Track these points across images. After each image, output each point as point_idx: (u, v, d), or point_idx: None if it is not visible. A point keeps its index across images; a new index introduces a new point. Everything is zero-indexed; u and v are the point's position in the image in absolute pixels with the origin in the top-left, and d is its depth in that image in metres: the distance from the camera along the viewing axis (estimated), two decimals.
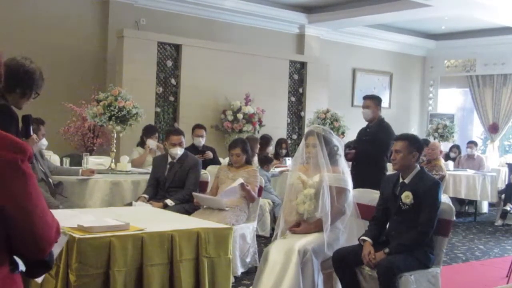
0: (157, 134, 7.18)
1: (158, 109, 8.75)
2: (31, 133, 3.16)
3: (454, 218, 3.98)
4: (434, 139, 10.52)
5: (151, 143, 6.96)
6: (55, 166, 5.71)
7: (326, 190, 3.94)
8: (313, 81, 10.38)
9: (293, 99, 10.42)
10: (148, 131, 7.09)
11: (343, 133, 9.14)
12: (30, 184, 1.56)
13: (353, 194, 4.11)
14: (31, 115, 3.13)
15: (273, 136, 8.71)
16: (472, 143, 10.35)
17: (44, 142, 5.50)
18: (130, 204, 5.08)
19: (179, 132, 5.64)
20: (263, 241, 6.41)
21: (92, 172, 5.58)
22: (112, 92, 6.05)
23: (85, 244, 2.90)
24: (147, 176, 5.60)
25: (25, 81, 2.87)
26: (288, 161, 8.10)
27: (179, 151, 5.39)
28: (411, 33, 12.53)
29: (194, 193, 5.15)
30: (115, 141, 6.37)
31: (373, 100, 5.89)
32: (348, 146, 5.68)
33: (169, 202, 5.13)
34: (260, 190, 5.29)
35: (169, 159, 5.44)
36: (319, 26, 11.07)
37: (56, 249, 1.81)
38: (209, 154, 7.27)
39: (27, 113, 3.12)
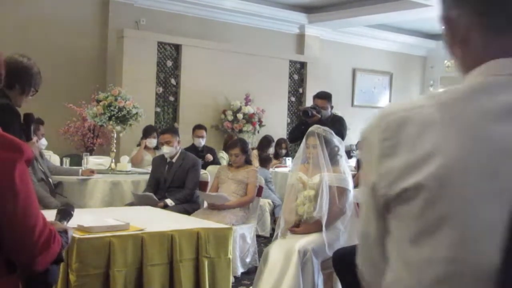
0: (155, 134, 7.18)
1: (158, 109, 8.75)
2: (32, 135, 3.15)
3: None
4: None
5: (153, 142, 7.02)
6: (54, 166, 5.70)
7: (325, 191, 3.94)
8: (313, 81, 10.37)
9: (293, 99, 10.42)
10: (147, 132, 7.12)
11: None
12: (22, 190, 1.49)
13: (353, 194, 4.11)
14: (32, 114, 3.13)
15: (273, 136, 8.71)
16: None
17: (43, 142, 5.50)
18: (131, 204, 5.08)
19: (167, 131, 5.70)
20: (263, 241, 6.41)
21: (92, 172, 5.58)
22: (112, 92, 6.05)
23: (85, 244, 2.90)
24: (147, 176, 5.61)
25: (24, 77, 2.88)
26: (288, 161, 8.11)
27: (166, 150, 5.41)
28: (411, 33, 12.52)
29: (199, 192, 5.21)
30: (115, 141, 6.37)
31: (328, 100, 5.50)
32: (314, 108, 5.33)
33: (169, 202, 5.13)
34: (260, 190, 5.30)
35: (168, 159, 5.46)
36: (319, 26, 11.07)
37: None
38: (209, 157, 7.30)
39: (28, 112, 3.12)
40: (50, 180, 5.29)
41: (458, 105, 0.91)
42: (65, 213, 2.03)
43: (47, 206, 4.99)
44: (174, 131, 5.64)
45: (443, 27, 0.99)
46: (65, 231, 1.76)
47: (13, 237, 1.52)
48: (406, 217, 0.92)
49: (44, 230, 1.57)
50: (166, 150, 5.42)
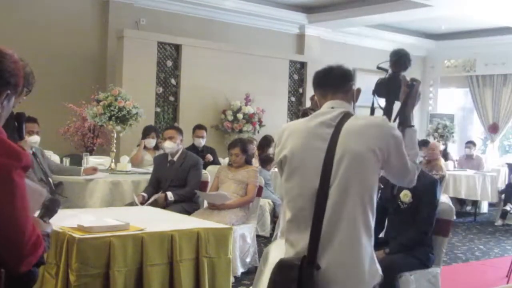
0: (154, 134, 7.17)
1: (158, 109, 8.75)
2: (24, 134, 3.15)
3: (454, 218, 3.99)
4: (434, 139, 10.52)
5: (151, 142, 7.02)
6: (56, 164, 5.68)
7: None
8: None
9: (293, 99, 10.42)
10: (145, 132, 7.11)
11: None
12: (17, 195, 1.53)
13: None
14: (24, 113, 3.12)
15: (273, 136, 8.71)
16: (470, 143, 10.34)
17: (33, 139, 5.36)
18: (131, 204, 5.09)
19: (172, 127, 5.82)
20: (263, 241, 6.41)
21: (94, 170, 5.56)
22: (112, 92, 6.06)
23: (85, 244, 2.90)
24: (147, 176, 5.61)
25: None
26: None
27: (167, 145, 5.41)
28: (411, 33, 12.52)
29: (197, 191, 5.21)
30: (115, 141, 6.37)
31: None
32: (312, 109, 5.36)
33: (169, 195, 5.13)
34: (260, 190, 5.30)
35: (169, 157, 5.46)
36: (319, 26, 11.07)
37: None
38: (209, 157, 7.30)
39: (28, 113, 3.12)
40: (50, 179, 5.28)
41: (304, 122, 2.31)
42: (49, 210, 2.03)
43: None
44: (178, 129, 5.68)
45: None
46: (47, 235, 1.78)
47: (5, 238, 1.55)
48: (284, 170, 2.26)
49: (33, 234, 1.61)
50: (167, 145, 5.42)
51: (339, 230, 2.10)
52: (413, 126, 2.44)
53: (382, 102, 2.59)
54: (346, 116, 2.23)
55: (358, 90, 2.46)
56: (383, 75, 2.59)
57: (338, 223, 2.10)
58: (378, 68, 2.69)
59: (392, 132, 2.20)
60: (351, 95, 2.40)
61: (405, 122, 2.43)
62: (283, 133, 2.31)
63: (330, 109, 2.29)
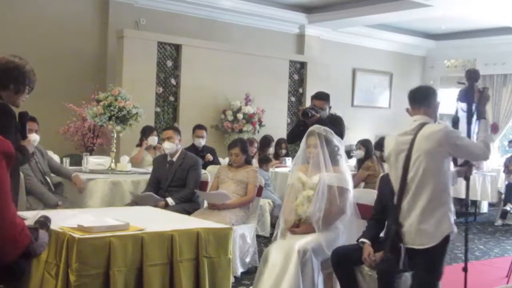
0: (155, 133, 7.21)
1: (158, 109, 8.75)
2: (27, 133, 3.14)
3: (454, 218, 3.98)
4: None
5: (155, 139, 7.03)
6: (54, 164, 5.64)
7: (321, 191, 3.94)
8: (313, 81, 10.37)
9: (293, 99, 10.42)
10: (146, 132, 7.11)
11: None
12: None
13: (353, 194, 4.11)
14: (27, 112, 3.13)
15: (273, 136, 8.71)
16: None
17: (32, 137, 5.32)
18: (131, 204, 5.08)
19: (170, 128, 5.86)
20: (263, 241, 6.41)
21: (82, 186, 5.35)
22: (112, 92, 6.05)
23: (85, 244, 2.90)
24: (147, 176, 5.61)
25: (17, 76, 2.89)
26: (288, 161, 8.11)
27: (166, 145, 5.42)
28: (411, 33, 12.52)
29: (197, 191, 5.21)
30: (115, 141, 6.36)
31: (326, 100, 5.48)
32: (312, 108, 5.29)
33: (170, 201, 5.14)
34: (260, 190, 5.30)
35: (168, 158, 5.46)
36: (319, 26, 11.07)
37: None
38: (209, 157, 7.30)
39: (23, 111, 3.12)
40: (48, 180, 5.27)
41: (396, 133, 3.49)
42: (42, 225, 2.04)
43: (46, 202, 4.97)
44: (176, 129, 5.70)
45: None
46: (35, 229, 1.76)
47: None
48: (388, 163, 3.59)
49: (13, 222, 1.59)
50: (166, 145, 5.44)
51: (418, 205, 3.27)
52: (485, 118, 3.60)
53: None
54: (422, 125, 3.31)
55: (438, 103, 3.48)
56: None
57: (418, 200, 3.27)
58: (458, 83, 3.86)
59: (449, 134, 3.28)
60: (433, 109, 3.44)
61: (479, 115, 3.61)
62: (386, 141, 3.56)
63: (413, 122, 3.38)
